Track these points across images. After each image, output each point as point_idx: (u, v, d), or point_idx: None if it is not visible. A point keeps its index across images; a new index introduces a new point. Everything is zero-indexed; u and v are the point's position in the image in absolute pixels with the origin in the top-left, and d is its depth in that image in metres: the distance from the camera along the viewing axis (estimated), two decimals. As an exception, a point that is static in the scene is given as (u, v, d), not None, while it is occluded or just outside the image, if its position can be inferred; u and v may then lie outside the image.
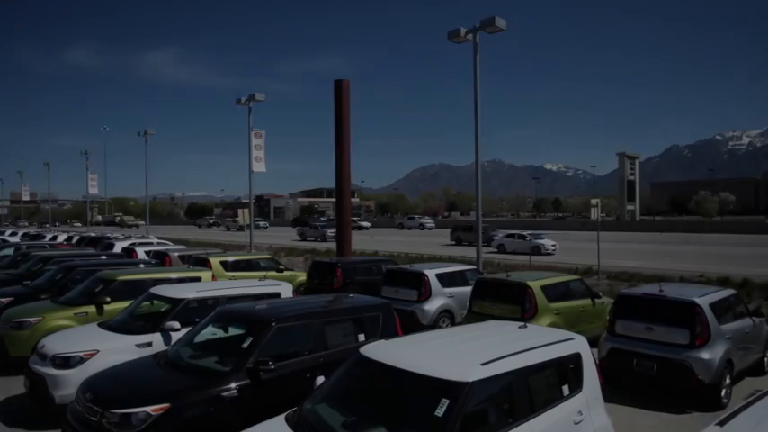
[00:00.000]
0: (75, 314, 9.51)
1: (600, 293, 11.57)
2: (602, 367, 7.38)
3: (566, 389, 4.87)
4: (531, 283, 9.86)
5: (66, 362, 7.12)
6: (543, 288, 9.96)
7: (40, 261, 15.26)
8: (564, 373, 4.96)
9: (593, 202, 21.06)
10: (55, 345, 7.47)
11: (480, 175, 17.34)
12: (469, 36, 16.73)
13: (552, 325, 9.02)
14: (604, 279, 18.73)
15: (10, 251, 21.02)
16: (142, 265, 14.47)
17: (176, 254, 17.95)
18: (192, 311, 7.98)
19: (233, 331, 6.73)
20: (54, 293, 11.26)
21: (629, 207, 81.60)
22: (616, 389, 7.94)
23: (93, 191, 50.34)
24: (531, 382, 4.58)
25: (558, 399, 4.77)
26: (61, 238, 31.34)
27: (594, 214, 20.65)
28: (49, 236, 33.03)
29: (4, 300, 11.36)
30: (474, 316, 10.03)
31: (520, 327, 5.58)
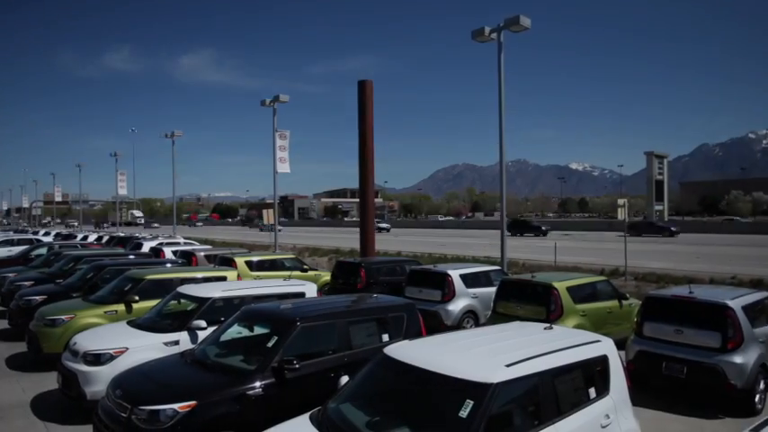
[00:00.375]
0: (105, 312, 9.73)
1: (627, 295, 11.37)
2: (630, 370, 7.28)
3: (592, 392, 4.80)
4: (556, 284, 9.74)
5: (97, 359, 7.29)
6: (569, 289, 9.83)
7: (71, 260, 15.65)
8: (590, 376, 4.89)
9: (620, 202, 20.70)
10: (86, 342, 7.65)
11: (505, 175, 17.20)
12: (494, 35, 16.61)
13: (578, 327, 8.90)
14: (631, 280, 18.41)
15: (43, 250, 21.63)
16: (169, 265, 14.74)
17: (202, 254, 18.23)
18: (217, 310, 8.08)
19: (258, 330, 6.80)
20: (85, 292, 11.54)
21: (658, 207, 80.00)
22: (644, 392, 7.82)
23: (123, 192, 51.34)
24: (557, 384, 4.52)
25: (584, 402, 4.71)
26: (92, 237, 32.10)
27: (621, 214, 20.30)
28: (80, 236, 33.85)
29: (37, 298, 11.69)
30: (498, 317, 9.96)
31: (545, 328, 5.52)
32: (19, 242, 28.39)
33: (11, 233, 37.82)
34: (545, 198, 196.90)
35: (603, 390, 4.92)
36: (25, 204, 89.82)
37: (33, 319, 9.97)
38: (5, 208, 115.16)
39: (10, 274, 15.99)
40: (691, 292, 8.22)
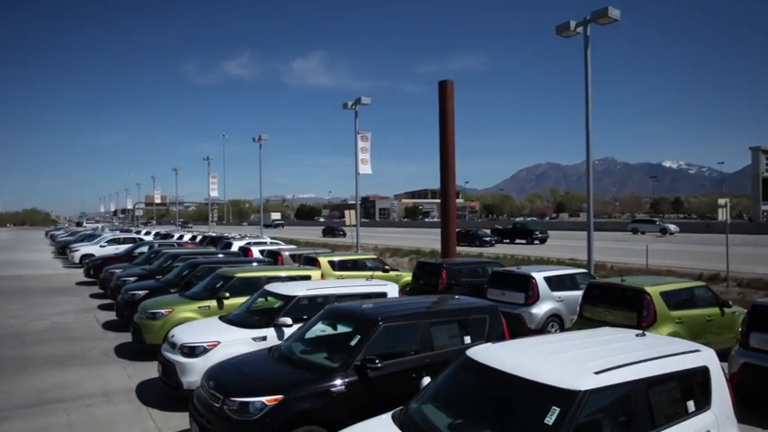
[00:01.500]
0: (199, 308, 10.34)
1: (730, 302, 10.56)
2: (734, 384, 6.73)
3: (691, 405, 4.50)
4: (648, 289, 9.22)
5: (193, 351, 7.75)
6: (663, 294, 9.27)
7: (169, 258, 16.79)
8: (689, 388, 4.58)
9: (721, 201, 19.22)
10: (183, 335, 8.16)
11: (591, 174, 16.50)
12: (579, 29, 15.99)
13: (673, 334, 8.37)
14: (734, 287, 17.05)
15: (145, 249, 23.34)
16: (255, 264, 15.41)
17: (287, 253, 18.89)
18: (302, 308, 8.35)
19: (341, 329, 6.94)
20: (181, 288, 12.35)
21: (765, 207, 73.62)
22: (750, 409, 7.22)
23: (214, 194, 54.27)
24: (651, 395, 4.28)
25: (682, 415, 4.42)
26: (186, 237, 34.22)
27: (722, 215, 18.86)
28: (176, 235, 36.18)
29: (140, 292, 12.64)
30: (585, 322, 9.57)
31: (637, 335, 5.24)
32: (124, 241, 30.86)
33: (117, 232, 41.10)
34: (635, 198, 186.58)
35: (704, 403, 4.59)
36: (129, 206, 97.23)
37: (137, 311, 10.78)
38: (113, 209, 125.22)
39: (117, 270, 17.40)
40: (806, 301, 7.49)
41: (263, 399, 5.51)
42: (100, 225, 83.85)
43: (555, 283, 12.09)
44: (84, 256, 28.18)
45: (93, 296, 18.40)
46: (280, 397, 5.54)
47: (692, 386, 4.61)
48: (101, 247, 29.92)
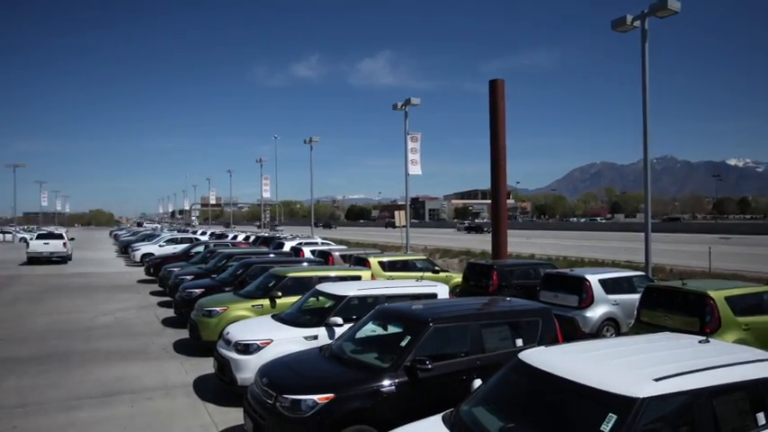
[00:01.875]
0: (253, 306, 10.60)
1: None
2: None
3: (761, 417, 4.24)
4: (712, 293, 8.79)
5: (247, 348, 7.94)
6: (728, 299, 8.82)
7: (224, 258, 17.28)
8: (759, 400, 4.32)
9: (793, 201, 18.09)
10: (237, 332, 8.38)
11: (649, 173, 15.90)
12: (637, 23, 15.44)
13: (740, 342, 7.97)
14: (808, 292, 16.01)
15: (201, 248, 24.12)
16: (306, 264, 15.66)
17: (338, 253, 19.10)
18: (353, 308, 8.43)
19: (392, 329, 6.95)
20: (235, 287, 12.68)
21: (842, 207, 68.87)
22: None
23: (266, 195, 55.51)
24: (716, 405, 4.06)
25: (750, 428, 4.16)
26: (240, 237, 35.19)
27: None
28: (230, 235, 37.27)
29: (197, 290, 13.07)
30: (643, 326, 9.23)
31: (700, 341, 5.01)
32: (182, 240, 32.02)
33: (175, 232, 42.69)
34: (696, 198, 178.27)
35: (777, 416, 4.33)
36: (186, 207, 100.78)
37: (194, 309, 11.16)
38: (171, 210, 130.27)
39: (175, 269, 18.06)
40: None
41: (315, 397, 5.59)
42: (159, 225, 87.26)
43: (610, 286, 11.73)
44: (144, 255, 29.40)
45: (153, 293, 19.16)
46: (331, 395, 5.61)
47: (763, 398, 4.36)
48: (160, 246, 31.13)
